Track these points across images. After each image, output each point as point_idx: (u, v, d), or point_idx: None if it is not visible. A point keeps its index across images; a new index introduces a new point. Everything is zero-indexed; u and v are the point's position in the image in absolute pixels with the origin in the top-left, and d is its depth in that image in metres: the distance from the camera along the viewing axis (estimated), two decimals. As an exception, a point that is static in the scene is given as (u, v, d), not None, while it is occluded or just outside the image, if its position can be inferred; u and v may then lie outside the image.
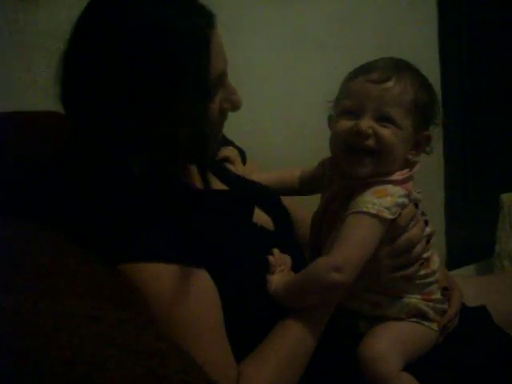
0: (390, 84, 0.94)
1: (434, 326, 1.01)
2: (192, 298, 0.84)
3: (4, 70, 1.27)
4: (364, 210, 0.90)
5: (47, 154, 0.99)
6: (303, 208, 1.19)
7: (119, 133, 0.88)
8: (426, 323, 1.00)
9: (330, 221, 0.99)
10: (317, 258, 0.92)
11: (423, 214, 1.01)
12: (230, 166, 1.17)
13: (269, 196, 1.14)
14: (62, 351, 0.58)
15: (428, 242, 1.00)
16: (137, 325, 0.68)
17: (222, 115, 0.97)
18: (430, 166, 2.06)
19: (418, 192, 1.01)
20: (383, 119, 0.94)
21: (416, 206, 0.98)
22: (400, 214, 0.93)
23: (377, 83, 0.94)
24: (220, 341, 0.85)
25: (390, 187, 0.94)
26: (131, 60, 0.86)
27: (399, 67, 0.97)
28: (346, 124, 0.95)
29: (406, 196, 0.94)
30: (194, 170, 1.00)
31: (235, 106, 0.97)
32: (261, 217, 1.05)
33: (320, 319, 0.94)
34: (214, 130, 0.97)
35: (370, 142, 0.94)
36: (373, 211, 0.90)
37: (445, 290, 1.04)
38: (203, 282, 0.86)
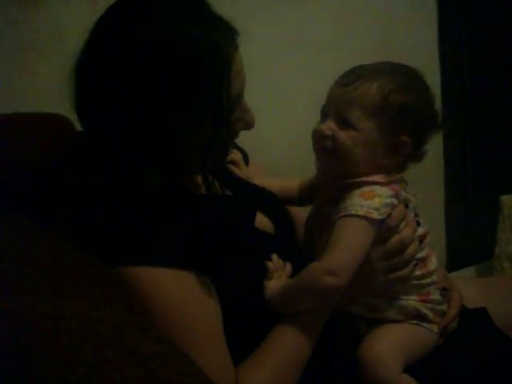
0: (352, 87, 0.96)
1: (434, 327, 1.01)
2: (191, 303, 0.84)
3: (4, 70, 1.26)
4: (353, 212, 0.91)
5: (51, 156, 0.99)
6: (303, 211, 1.20)
7: (135, 143, 0.88)
8: (425, 325, 1.00)
9: (321, 224, 0.99)
10: (310, 262, 0.92)
11: (416, 215, 1.02)
12: (233, 169, 1.17)
13: (271, 199, 1.14)
14: (62, 353, 0.58)
15: (421, 242, 1.00)
16: (137, 327, 0.68)
17: (235, 134, 0.98)
18: (430, 167, 2.06)
19: (413, 195, 1.02)
20: (342, 121, 0.96)
21: (406, 206, 0.98)
22: (390, 215, 0.93)
23: (342, 86, 0.97)
24: (218, 345, 0.85)
25: (377, 188, 0.94)
26: (153, 73, 0.85)
27: (376, 70, 0.97)
28: (316, 125, 1.00)
29: (394, 196, 0.95)
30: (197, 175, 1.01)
31: (249, 126, 0.98)
32: (262, 221, 1.05)
33: (316, 324, 0.94)
34: (227, 146, 0.98)
35: (327, 143, 0.97)
36: (361, 213, 0.91)
37: (444, 290, 1.04)
38: (203, 287, 0.86)
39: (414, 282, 0.99)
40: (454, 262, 2.11)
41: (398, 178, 0.98)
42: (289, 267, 0.98)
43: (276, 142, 1.68)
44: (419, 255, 0.99)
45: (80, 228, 0.86)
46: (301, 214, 1.19)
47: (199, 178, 0.99)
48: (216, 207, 0.98)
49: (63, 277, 0.73)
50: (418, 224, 1.00)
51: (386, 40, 1.91)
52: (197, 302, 0.84)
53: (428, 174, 2.05)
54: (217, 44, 0.87)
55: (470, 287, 1.19)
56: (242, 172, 1.17)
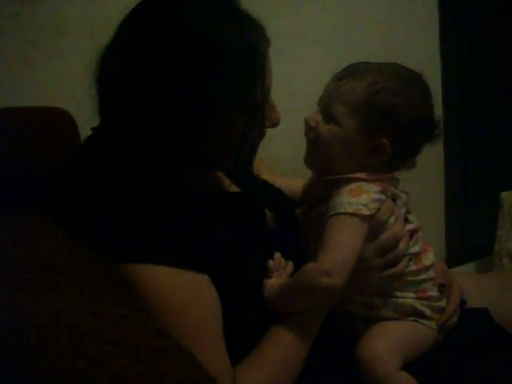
0: (342, 82, 0.96)
1: (433, 324, 1.00)
2: (191, 303, 0.84)
3: (5, 65, 1.26)
4: (342, 210, 0.91)
5: (51, 151, 0.99)
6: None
7: (164, 144, 0.88)
8: (423, 322, 0.99)
9: (313, 224, 0.99)
10: (306, 261, 0.92)
11: (408, 211, 1.02)
12: None
13: (278, 196, 1.14)
14: (62, 347, 0.58)
15: (411, 236, 1.00)
16: (137, 321, 0.69)
17: (264, 132, 0.99)
18: (430, 166, 2.06)
19: (406, 192, 1.02)
20: (327, 115, 0.97)
21: (394, 200, 0.98)
22: (379, 210, 0.93)
23: (335, 80, 0.98)
24: (217, 346, 0.85)
25: (363, 184, 0.94)
26: (192, 74, 0.85)
27: (371, 69, 0.97)
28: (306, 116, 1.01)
29: (381, 192, 0.94)
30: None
31: (274, 124, 0.99)
32: (268, 218, 1.05)
33: (313, 324, 0.94)
34: (255, 146, 0.98)
35: (310, 134, 0.99)
36: (350, 210, 0.90)
37: (441, 286, 1.03)
38: (203, 287, 0.86)
39: (410, 278, 0.99)
40: (453, 258, 2.11)
41: (387, 176, 0.98)
42: (290, 266, 0.98)
43: (276, 139, 1.67)
44: (412, 250, 0.99)
45: (85, 222, 0.86)
46: None
47: (209, 176, 0.99)
48: (225, 205, 0.98)
49: (63, 271, 0.73)
50: (406, 220, 1.00)
51: (388, 39, 1.91)
52: (197, 301, 0.84)
53: (428, 173, 2.05)
54: (253, 42, 0.88)
55: (469, 283, 1.18)
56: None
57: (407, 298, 0.99)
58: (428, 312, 1.00)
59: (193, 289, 0.84)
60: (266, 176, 1.17)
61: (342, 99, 0.96)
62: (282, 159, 1.64)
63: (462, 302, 1.09)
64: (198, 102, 0.86)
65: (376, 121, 0.94)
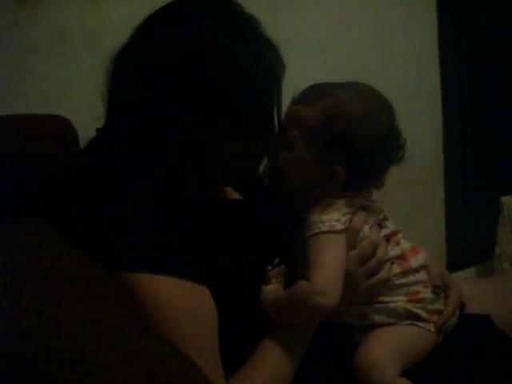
0: (297, 107, 0.97)
1: (431, 326, 1.00)
2: (189, 313, 0.84)
3: (4, 72, 1.26)
4: (317, 231, 0.92)
5: (52, 158, 0.99)
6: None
7: (172, 153, 0.89)
8: (420, 324, 0.99)
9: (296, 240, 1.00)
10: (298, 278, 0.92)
11: (385, 218, 1.03)
12: None
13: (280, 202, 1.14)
14: (63, 354, 0.58)
15: (388, 240, 1.00)
16: (137, 328, 0.68)
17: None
18: (430, 167, 2.06)
19: (379, 200, 1.03)
20: (283, 140, 0.97)
21: (363, 209, 0.98)
22: (351, 220, 0.95)
23: (292, 104, 0.98)
24: (212, 356, 0.85)
25: (332, 201, 0.95)
26: (210, 92, 0.87)
27: (325, 94, 0.96)
28: None
29: (350, 205, 0.96)
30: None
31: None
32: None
33: (303, 337, 0.94)
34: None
35: (268, 160, 1.01)
36: (325, 229, 0.92)
37: (436, 288, 1.03)
38: (202, 298, 0.86)
39: (397, 281, 0.99)
40: (454, 262, 2.11)
41: (351, 194, 0.97)
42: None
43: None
44: (393, 253, 0.99)
45: (85, 230, 0.86)
46: None
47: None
48: (225, 213, 0.99)
49: (63, 278, 0.73)
50: (380, 225, 1.01)
51: (386, 42, 1.91)
52: (195, 312, 0.84)
53: (428, 173, 2.05)
54: (272, 65, 0.91)
55: (469, 287, 1.18)
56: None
57: (398, 301, 0.99)
58: (424, 314, 1.00)
59: (192, 299, 0.84)
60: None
61: (296, 124, 0.96)
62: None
63: (462, 306, 1.09)
64: (213, 117, 0.88)
65: (329, 147, 0.94)
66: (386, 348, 0.95)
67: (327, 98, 0.95)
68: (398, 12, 1.94)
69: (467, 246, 2.19)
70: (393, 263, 0.99)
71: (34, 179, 0.97)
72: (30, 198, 0.93)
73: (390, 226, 1.02)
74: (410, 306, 0.99)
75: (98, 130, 0.96)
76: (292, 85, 1.79)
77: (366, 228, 0.97)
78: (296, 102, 0.97)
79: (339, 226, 0.92)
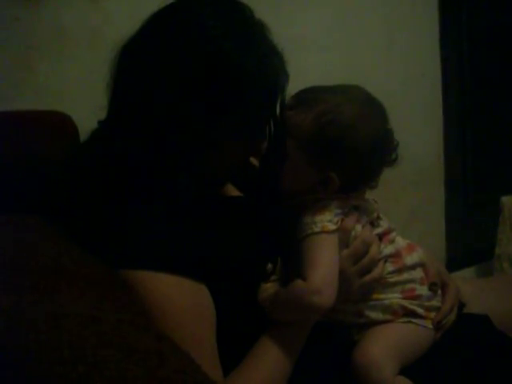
0: (292, 113, 0.96)
1: (428, 323, 1.00)
2: (189, 310, 0.84)
3: (6, 69, 1.27)
4: (309, 232, 0.93)
5: (52, 154, 0.99)
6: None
7: (172, 153, 0.89)
8: (417, 321, 0.99)
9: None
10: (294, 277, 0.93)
11: (379, 217, 1.03)
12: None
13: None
14: (62, 351, 0.58)
15: (381, 239, 1.00)
16: (136, 325, 0.69)
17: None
18: (430, 167, 2.06)
19: (373, 200, 1.03)
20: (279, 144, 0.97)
21: (355, 208, 0.99)
22: (343, 220, 0.96)
23: (288, 109, 0.97)
24: (211, 354, 0.86)
25: (325, 202, 0.96)
26: (214, 96, 0.87)
27: (318, 99, 0.96)
28: None
29: (342, 206, 0.96)
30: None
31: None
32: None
33: (301, 335, 0.95)
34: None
35: None
36: (317, 230, 0.93)
37: (433, 285, 1.03)
38: (201, 296, 0.87)
39: (391, 279, 0.99)
40: (454, 262, 2.11)
41: (344, 197, 0.98)
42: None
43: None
44: (386, 251, 1.00)
45: (86, 227, 0.86)
46: None
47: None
48: (225, 210, 0.99)
49: (63, 275, 0.73)
50: (373, 224, 1.01)
51: (388, 42, 1.91)
52: (194, 309, 0.85)
53: (428, 173, 2.05)
54: (276, 72, 0.91)
55: (469, 287, 1.18)
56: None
57: (393, 298, 0.99)
58: (420, 311, 1.00)
59: (190, 297, 0.85)
60: None
61: (290, 131, 0.96)
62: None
63: (461, 305, 1.09)
64: (214, 117, 0.88)
65: (323, 155, 0.95)
66: (384, 346, 0.95)
67: (319, 104, 0.95)
68: (399, 12, 1.94)
69: (467, 246, 2.20)
70: (386, 261, 0.99)
71: (34, 175, 0.97)
72: (30, 195, 0.93)
73: (384, 225, 1.02)
74: (405, 303, 0.99)
75: (99, 122, 0.96)
76: (292, 85, 1.80)
77: (359, 227, 0.98)
78: (288, 107, 0.97)
79: (331, 227, 0.93)
